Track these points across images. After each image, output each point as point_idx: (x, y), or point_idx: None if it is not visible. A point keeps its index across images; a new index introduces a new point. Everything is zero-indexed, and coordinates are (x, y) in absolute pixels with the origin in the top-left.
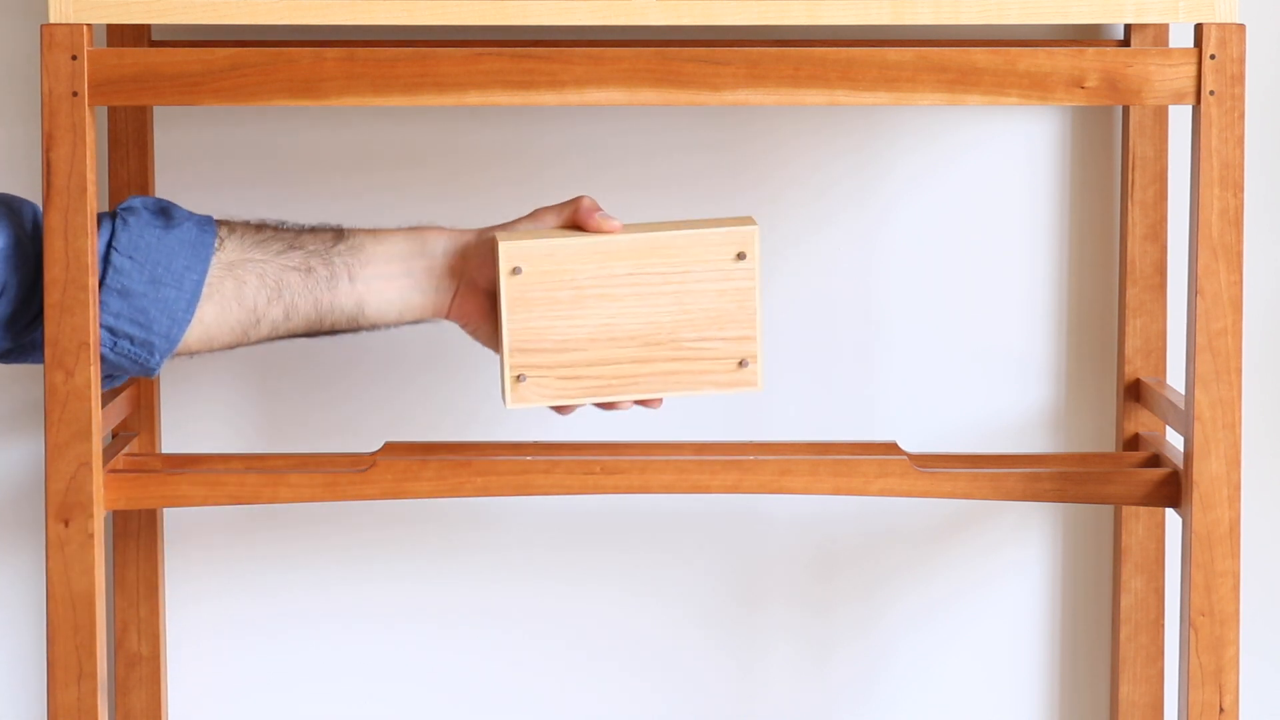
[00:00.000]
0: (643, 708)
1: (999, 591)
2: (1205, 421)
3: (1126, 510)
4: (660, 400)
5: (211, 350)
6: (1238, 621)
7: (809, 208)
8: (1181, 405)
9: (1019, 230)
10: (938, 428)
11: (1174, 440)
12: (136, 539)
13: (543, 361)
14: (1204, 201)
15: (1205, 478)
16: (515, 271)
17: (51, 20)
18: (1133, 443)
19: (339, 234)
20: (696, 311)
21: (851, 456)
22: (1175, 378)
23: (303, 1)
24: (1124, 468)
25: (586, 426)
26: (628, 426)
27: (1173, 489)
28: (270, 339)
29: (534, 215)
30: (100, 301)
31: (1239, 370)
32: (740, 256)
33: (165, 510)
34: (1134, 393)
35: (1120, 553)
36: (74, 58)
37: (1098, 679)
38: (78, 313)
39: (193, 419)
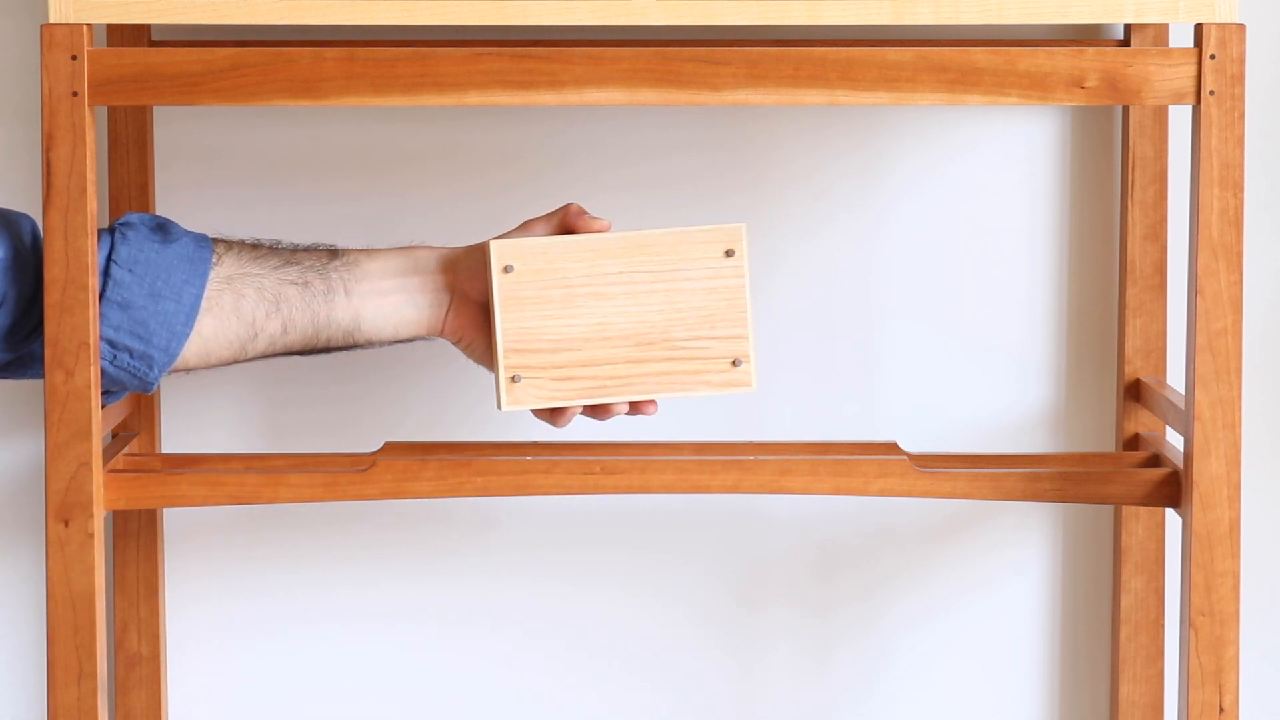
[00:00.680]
0: (643, 708)
1: (999, 591)
2: (1205, 421)
3: (1126, 510)
4: (655, 405)
5: (209, 366)
6: (1238, 621)
7: (808, 208)
8: (1181, 405)
9: (1019, 230)
10: (938, 428)
11: (1174, 440)
12: (136, 539)
13: (537, 362)
14: (1204, 201)
15: (1205, 478)
16: (507, 270)
17: (51, 20)
18: (1133, 443)
19: (333, 252)
20: (688, 310)
21: (851, 456)
22: (1175, 378)
23: (303, 1)
24: (1124, 468)
25: (586, 426)
26: (628, 426)
27: (1173, 489)
28: (267, 355)
29: (523, 226)
30: (100, 314)
31: (1239, 370)
32: (729, 254)
33: (165, 510)
34: (1134, 393)
35: (1120, 553)
36: (74, 58)
37: (1098, 679)
38: (78, 313)
39: (193, 419)
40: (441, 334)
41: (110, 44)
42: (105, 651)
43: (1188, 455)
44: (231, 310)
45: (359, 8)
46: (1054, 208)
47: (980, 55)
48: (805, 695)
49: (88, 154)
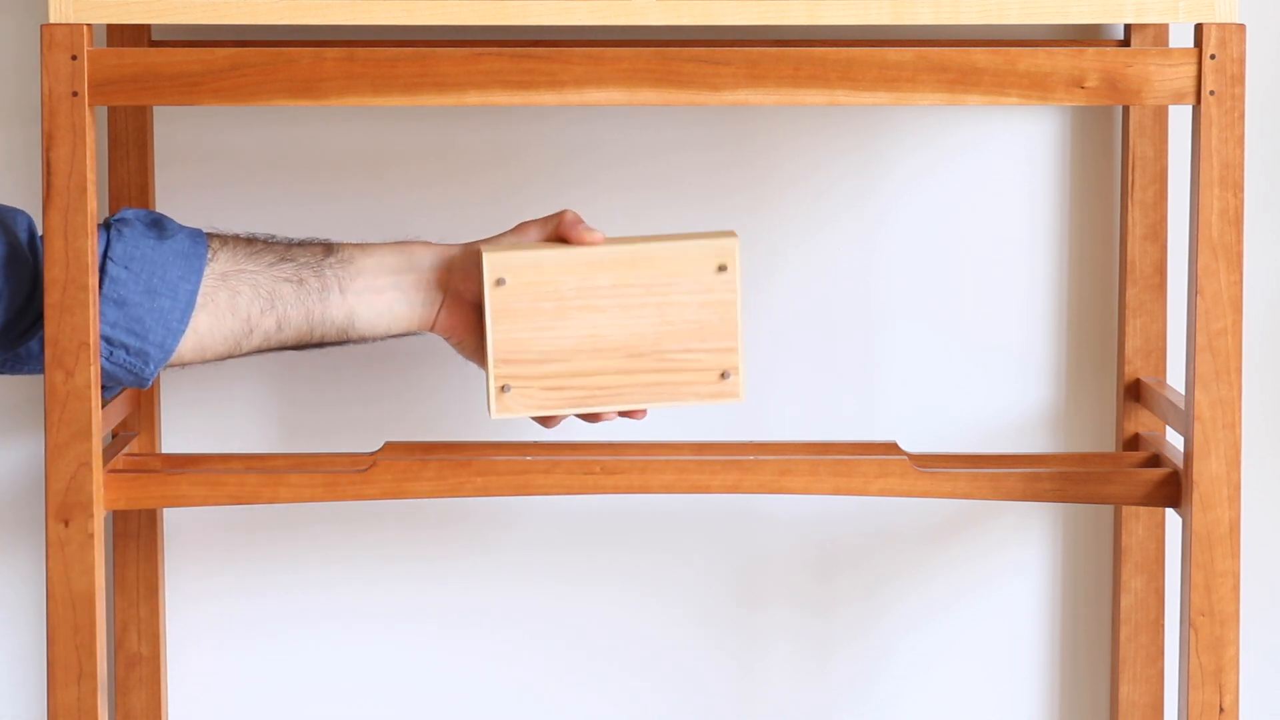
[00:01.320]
0: (643, 708)
1: (999, 591)
2: (1205, 421)
3: (1126, 510)
4: (644, 411)
5: (204, 361)
6: (1238, 621)
7: (808, 208)
8: (1181, 405)
9: (1019, 230)
10: (938, 428)
11: (1174, 440)
12: (136, 539)
13: (527, 372)
14: (1204, 201)
15: (1205, 478)
16: (499, 283)
17: (51, 20)
18: (1133, 443)
19: (328, 247)
20: (679, 323)
21: (851, 456)
22: (1175, 378)
23: (303, 1)
24: (1124, 468)
25: (586, 426)
26: (626, 427)
27: (1173, 489)
28: (261, 350)
29: (518, 229)
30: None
31: (1239, 370)
32: (721, 269)
33: (165, 510)
34: (1134, 393)
35: (1120, 553)
36: (74, 58)
37: (1098, 679)
38: (78, 313)
39: (193, 419)
40: (433, 330)
41: (110, 44)
42: (105, 651)
43: (1188, 455)
44: (227, 307)
45: (359, 8)
46: (1054, 208)
47: (980, 55)
48: (805, 695)
49: (88, 154)
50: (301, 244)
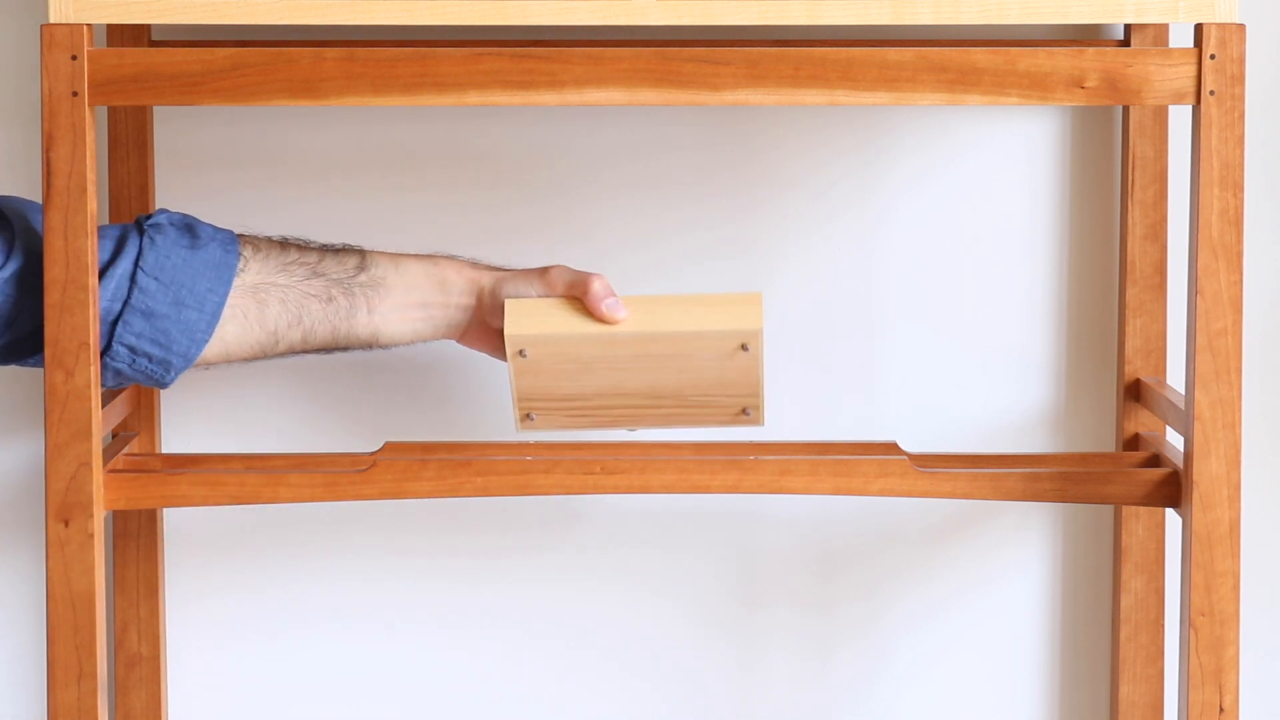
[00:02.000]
0: (643, 708)
1: (999, 591)
2: (1205, 421)
3: (1126, 510)
4: None
5: (229, 363)
6: (1238, 621)
7: (808, 208)
8: (1181, 405)
9: (1019, 230)
10: (938, 428)
11: (1174, 440)
12: (136, 539)
13: (551, 407)
14: (1204, 201)
15: (1205, 478)
16: (521, 354)
17: (51, 20)
18: (1133, 443)
19: (361, 261)
20: (701, 380)
21: (851, 456)
22: (1175, 378)
23: (303, 1)
24: (1124, 468)
25: None
26: None
27: (1173, 489)
28: (284, 356)
29: (547, 273)
30: (123, 320)
31: (1239, 370)
32: (743, 348)
33: (165, 510)
34: (1134, 393)
35: (1120, 553)
36: (74, 58)
37: (1098, 679)
38: (78, 313)
39: (193, 419)
40: (458, 342)
41: (110, 44)
42: (105, 651)
43: (1188, 455)
44: (255, 320)
45: (359, 8)
46: (1054, 208)
47: (980, 55)
48: (805, 695)
49: (88, 154)
50: (334, 253)
